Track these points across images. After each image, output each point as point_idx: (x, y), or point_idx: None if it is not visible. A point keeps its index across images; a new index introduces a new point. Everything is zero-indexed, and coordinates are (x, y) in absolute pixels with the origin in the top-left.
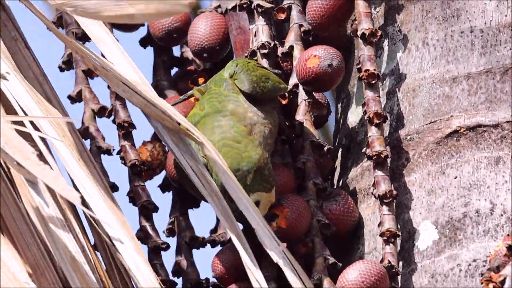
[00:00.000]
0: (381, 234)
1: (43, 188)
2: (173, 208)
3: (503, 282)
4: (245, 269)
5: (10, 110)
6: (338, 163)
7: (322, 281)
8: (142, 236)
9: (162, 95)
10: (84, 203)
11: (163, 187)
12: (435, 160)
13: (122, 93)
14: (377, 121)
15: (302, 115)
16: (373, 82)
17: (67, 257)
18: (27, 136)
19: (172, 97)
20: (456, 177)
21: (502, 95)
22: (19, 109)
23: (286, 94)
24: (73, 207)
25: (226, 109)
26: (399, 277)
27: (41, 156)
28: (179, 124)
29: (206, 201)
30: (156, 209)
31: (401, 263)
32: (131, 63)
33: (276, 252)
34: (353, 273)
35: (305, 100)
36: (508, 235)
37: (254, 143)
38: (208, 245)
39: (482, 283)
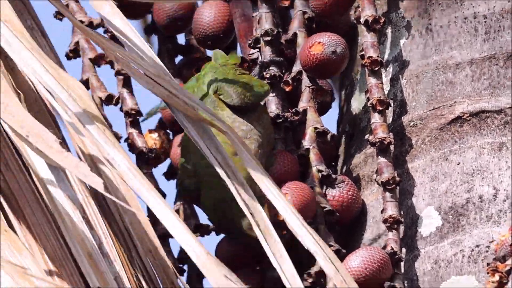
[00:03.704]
0: (384, 221)
1: (62, 176)
2: (177, 195)
3: (509, 272)
4: (247, 256)
5: (29, 95)
6: (341, 150)
7: None
8: (151, 223)
9: None
10: (106, 189)
11: (168, 175)
12: (438, 146)
13: (145, 84)
14: (380, 108)
15: (305, 102)
16: (376, 69)
17: (84, 253)
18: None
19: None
20: (459, 163)
21: (505, 81)
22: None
23: (290, 80)
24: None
25: None
26: (402, 263)
27: (63, 144)
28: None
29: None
30: (163, 196)
31: (404, 249)
32: (151, 53)
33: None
34: (356, 259)
35: (308, 87)
36: None
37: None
38: (213, 232)
39: (488, 273)
